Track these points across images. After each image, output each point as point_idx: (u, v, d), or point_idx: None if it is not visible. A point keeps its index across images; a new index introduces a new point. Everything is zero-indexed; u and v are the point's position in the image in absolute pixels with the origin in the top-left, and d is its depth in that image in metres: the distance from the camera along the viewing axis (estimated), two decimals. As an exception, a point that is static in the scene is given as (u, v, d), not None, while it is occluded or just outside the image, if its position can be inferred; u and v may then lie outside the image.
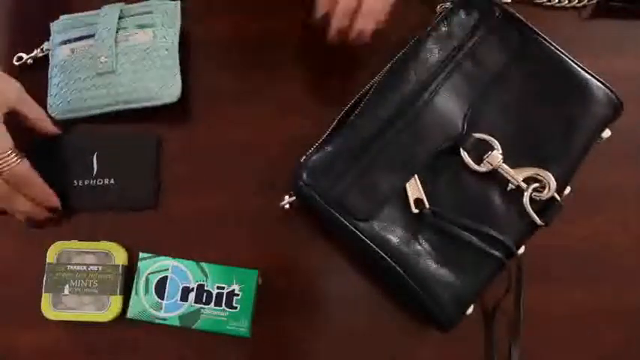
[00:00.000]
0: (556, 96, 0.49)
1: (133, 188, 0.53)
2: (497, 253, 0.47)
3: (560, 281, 0.52)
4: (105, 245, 0.51)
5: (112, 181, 0.52)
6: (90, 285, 0.50)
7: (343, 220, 0.47)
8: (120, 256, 0.51)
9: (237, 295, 0.49)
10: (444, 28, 0.51)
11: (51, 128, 0.53)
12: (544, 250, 0.52)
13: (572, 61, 0.50)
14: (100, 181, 0.52)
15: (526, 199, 0.48)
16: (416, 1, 0.57)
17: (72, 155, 0.53)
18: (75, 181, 0.53)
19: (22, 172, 0.47)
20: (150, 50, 0.52)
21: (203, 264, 0.49)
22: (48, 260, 0.50)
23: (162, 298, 0.49)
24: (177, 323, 0.48)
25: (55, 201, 0.51)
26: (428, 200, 0.48)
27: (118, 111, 0.53)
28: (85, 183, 0.53)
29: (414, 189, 0.48)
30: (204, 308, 0.48)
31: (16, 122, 0.49)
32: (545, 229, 0.48)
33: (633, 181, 0.54)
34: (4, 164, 0.46)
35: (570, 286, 0.52)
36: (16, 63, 0.56)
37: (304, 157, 0.49)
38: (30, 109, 0.51)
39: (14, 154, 0.47)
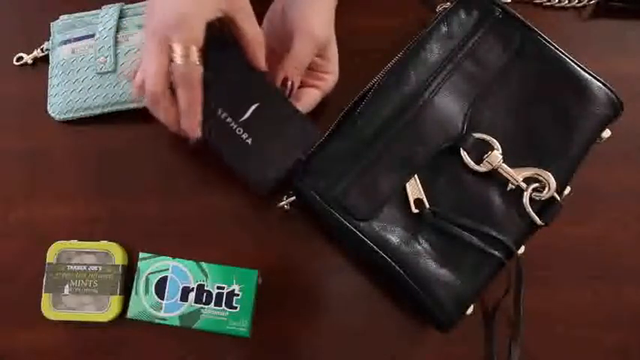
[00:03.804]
0: (556, 96, 0.49)
1: (259, 167, 0.48)
2: (497, 253, 0.47)
3: (560, 281, 0.52)
4: (105, 245, 0.51)
5: (249, 141, 0.48)
6: (90, 285, 0.50)
7: (343, 220, 0.47)
8: (120, 256, 0.51)
9: (237, 295, 0.49)
10: (444, 28, 0.51)
11: (261, 63, 0.46)
12: (544, 250, 0.52)
13: (572, 61, 0.50)
14: (239, 131, 0.48)
15: (526, 199, 0.48)
16: (416, 1, 0.57)
17: (234, 88, 0.48)
18: (220, 110, 0.48)
19: (193, 72, 0.43)
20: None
21: (203, 264, 0.49)
22: (48, 260, 0.51)
23: (162, 298, 0.49)
24: (177, 323, 0.48)
25: (195, 124, 0.45)
26: (428, 200, 0.48)
27: (118, 111, 0.53)
28: (227, 120, 0.48)
29: (414, 189, 0.48)
30: (204, 308, 0.49)
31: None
32: (545, 229, 0.48)
33: (633, 181, 0.54)
34: (186, 54, 0.41)
35: (570, 286, 0.52)
36: (16, 63, 0.56)
37: (304, 157, 0.49)
38: (250, 27, 0.45)
39: (199, 54, 0.42)
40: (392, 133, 0.48)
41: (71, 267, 0.50)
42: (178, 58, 0.42)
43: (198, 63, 0.42)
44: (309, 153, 0.49)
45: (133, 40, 0.53)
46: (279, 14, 0.49)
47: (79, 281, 0.50)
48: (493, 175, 0.48)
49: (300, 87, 0.49)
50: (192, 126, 0.45)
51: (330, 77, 0.50)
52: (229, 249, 0.52)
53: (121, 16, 0.54)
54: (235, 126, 0.48)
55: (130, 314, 0.49)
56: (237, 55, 0.46)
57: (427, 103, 0.49)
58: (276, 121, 0.48)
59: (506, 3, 0.52)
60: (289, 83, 0.48)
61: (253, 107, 0.47)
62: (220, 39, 0.46)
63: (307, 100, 0.49)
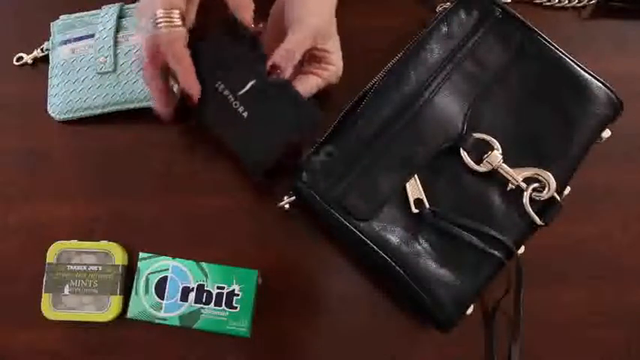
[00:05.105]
0: (556, 96, 0.49)
1: (253, 142, 0.47)
2: (497, 253, 0.47)
3: (560, 281, 0.52)
4: (105, 245, 0.51)
5: (244, 114, 0.47)
6: (90, 285, 0.50)
7: (343, 220, 0.47)
8: (120, 256, 0.51)
9: (237, 295, 0.49)
10: (444, 28, 0.51)
11: (248, 21, 0.46)
12: (544, 250, 0.52)
13: (572, 61, 0.50)
14: (236, 104, 0.47)
15: (526, 199, 0.48)
16: (416, 1, 0.57)
17: (237, 60, 0.47)
18: (218, 84, 0.47)
19: (176, 39, 0.45)
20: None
21: (203, 264, 0.49)
22: (48, 260, 0.51)
23: (162, 298, 0.49)
24: (177, 323, 0.48)
25: (194, 87, 0.47)
26: (428, 200, 0.48)
27: (118, 111, 0.53)
28: (225, 93, 0.47)
29: (414, 189, 0.48)
30: (204, 308, 0.49)
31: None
32: (545, 229, 0.48)
33: (633, 181, 0.54)
34: (166, 20, 0.44)
35: (570, 286, 0.52)
36: (16, 63, 0.56)
37: (304, 157, 0.49)
38: None
39: (179, 17, 0.45)
40: (392, 133, 0.48)
41: (71, 267, 0.50)
42: (162, 24, 0.44)
43: (180, 25, 0.45)
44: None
45: (132, 40, 0.53)
46: (280, 8, 0.49)
47: (79, 281, 0.50)
48: (493, 175, 0.48)
49: (301, 74, 0.49)
50: (190, 84, 0.47)
51: (333, 69, 0.49)
52: (229, 249, 0.52)
53: (121, 16, 0.54)
54: (232, 99, 0.47)
55: (130, 314, 0.49)
56: (242, 35, 0.47)
57: (427, 103, 0.49)
58: (274, 99, 0.47)
59: (506, 3, 0.52)
60: (278, 71, 0.47)
61: (252, 82, 0.47)
62: (227, 22, 0.47)
63: (306, 85, 0.48)
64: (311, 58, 0.49)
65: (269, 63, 0.47)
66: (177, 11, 0.45)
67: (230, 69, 0.48)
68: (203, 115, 0.48)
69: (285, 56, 0.46)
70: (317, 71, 0.49)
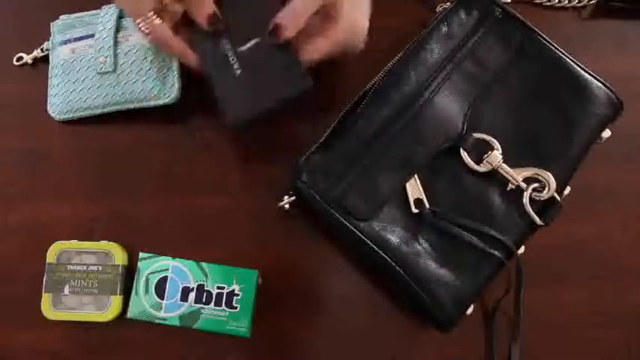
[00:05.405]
0: (556, 96, 0.49)
1: (238, 99, 0.47)
2: (497, 253, 0.47)
3: (560, 281, 0.52)
4: (105, 245, 0.51)
5: (237, 72, 0.47)
6: (90, 285, 0.50)
7: (343, 220, 0.47)
8: (120, 256, 0.51)
9: (237, 295, 0.49)
10: (444, 28, 0.51)
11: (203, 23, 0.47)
12: (544, 250, 0.52)
13: (572, 61, 0.50)
14: (233, 59, 0.48)
15: (526, 199, 0.48)
16: (416, 1, 0.57)
17: (244, 18, 0.48)
18: (223, 34, 0.48)
19: (162, 34, 0.47)
20: (150, 50, 0.52)
21: (203, 264, 0.49)
22: (48, 260, 0.51)
23: (162, 298, 0.49)
24: (177, 323, 0.48)
25: (191, 60, 0.49)
26: (428, 200, 0.48)
27: (118, 111, 0.53)
28: (227, 47, 0.48)
29: (414, 189, 0.48)
30: (204, 308, 0.49)
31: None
32: (545, 229, 0.48)
33: (633, 181, 0.54)
34: (147, 25, 0.46)
35: (570, 286, 0.52)
36: (16, 63, 0.56)
37: (304, 157, 0.49)
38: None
39: (156, 16, 0.46)
40: (392, 133, 0.48)
41: (71, 267, 0.50)
42: (143, 28, 0.47)
43: (159, 22, 0.46)
44: (309, 153, 0.48)
45: (132, 40, 0.53)
46: None
47: (79, 281, 0.50)
48: (493, 175, 0.48)
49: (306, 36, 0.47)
50: (189, 62, 0.49)
51: (340, 28, 0.46)
52: (229, 249, 0.52)
53: (121, 16, 0.53)
54: (231, 54, 0.48)
55: (130, 314, 0.49)
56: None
57: (427, 103, 0.49)
58: (271, 61, 0.47)
59: (506, 3, 0.52)
60: (280, 31, 0.45)
61: (254, 41, 0.47)
62: None
63: (309, 49, 0.46)
64: (322, 18, 0.46)
65: (271, 24, 0.45)
66: (151, 13, 0.46)
67: (239, 23, 0.48)
68: (202, 58, 0.48)
69: (288, 17, 0.45)
70: (324, 32, 0.46)
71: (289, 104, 0.47)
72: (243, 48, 0.47)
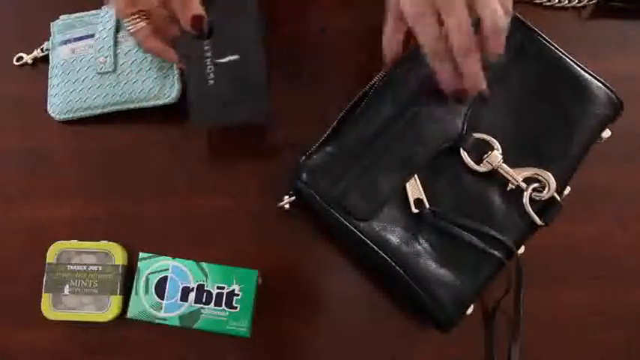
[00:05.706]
0: (556, 96, 0.49)
1: (204, 107, 0.49)
2: (497, 253, 0.47)
3: (560, 281, 0.52)
4: (105, 245, 0.51)
5: (211, 82, 0.49)
6: (90, 285, 0.50)
7: (343, 220, 0.47)
8: (120, 256, 0.51)
9: (237, 295, 0.49)
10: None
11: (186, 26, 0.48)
12: (544, 250, 0.52)
13: (572, 60, 0.50)
14: (210, 68, 0.49)
15: (526, 199, 0.48)
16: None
17: (230, 32, 0.49)
18: (206, 42, 0.49)
19: (144, 36, 0.49)
20: (150, 50, 0.53)
21: (203, 264, 0.49)
22: (48, 260, 0.51)
23: (162, 298, 0.49)
24: (177, 323, 0.48)
25: (172, 58, 0.50)
26: (428, 200, 0.48)
27: (118, 111, 0.53)
28: (207, 54, 0.49)
29: (414, 189, 0.48)
30: (204, 308, 0.48)
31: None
32: (545, 229, 0.48)
33: (633, 181, 0.54)
34: (131, 24, 0.48)
35: (570, 286, 0.52)
36: (16, 63, 0.56)
37: (304, 157, 0.49)
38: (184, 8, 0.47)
39: (139, 18, 0.48)
40: (392, 133, 0.48)
41: (71, 267, 0.50)
42: (129, 27, 0.48)
43: (144, 24, 0.48)
44: (309, 153, 0.49)
45: (132, 40, 0.53)
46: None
47: (79, 281, 0.50)
48: (493, 175, 0.48)
49: None
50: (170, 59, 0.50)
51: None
52: (229, 249, 0.52)
53: (121, 16, 0.54)
54: (209, 62, 0.49)
55: (130, 314, 0.49)
56: (250, 13, 0.48)
57: (427, 104, 0.49)
58: (240, 82, 0.49)
59: (506, 3, 0.52)
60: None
61: (233, 57, 0.48)
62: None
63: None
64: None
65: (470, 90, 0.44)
66: (135, 15, 0.48)
67: (224, 36, 0.49)
68: (184, 57, 0.50)
69: (386, 47, 0.48)
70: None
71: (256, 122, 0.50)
72: (222, 60, 0.48)
